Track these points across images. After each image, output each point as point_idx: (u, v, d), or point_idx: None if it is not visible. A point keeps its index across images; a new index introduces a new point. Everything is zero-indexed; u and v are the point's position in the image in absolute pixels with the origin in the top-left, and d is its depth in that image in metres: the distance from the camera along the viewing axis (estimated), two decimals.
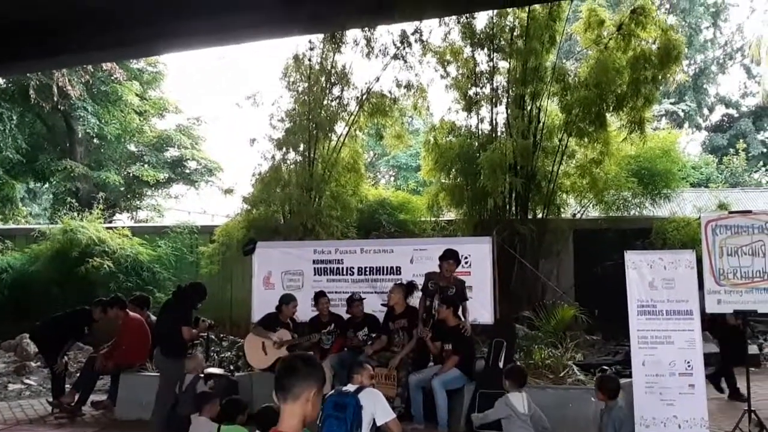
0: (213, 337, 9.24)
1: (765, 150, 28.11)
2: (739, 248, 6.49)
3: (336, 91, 11.63)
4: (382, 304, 7.87)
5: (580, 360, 8.12)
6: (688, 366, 6.45)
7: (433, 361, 7.14)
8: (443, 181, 12.01)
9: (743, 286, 6.45)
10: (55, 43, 7.14)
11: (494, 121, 11.43)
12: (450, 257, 7.36)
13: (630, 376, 6.74)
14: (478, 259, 8.25)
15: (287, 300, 7.81)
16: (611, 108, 10.82)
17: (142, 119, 21.19)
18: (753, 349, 10.27)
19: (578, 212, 12.67)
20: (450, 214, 12.71)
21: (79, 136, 19.93)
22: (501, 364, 6.79)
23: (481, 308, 7.86)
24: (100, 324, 8.46)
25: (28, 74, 15.54)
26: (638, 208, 12.31)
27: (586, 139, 11.05)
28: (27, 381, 9.67)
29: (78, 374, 8.41)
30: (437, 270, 7.51)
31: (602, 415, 4.65)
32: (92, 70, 17.93)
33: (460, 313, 7.14)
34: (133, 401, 7.42)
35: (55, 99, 17.34)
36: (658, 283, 6.64)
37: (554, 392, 6.76)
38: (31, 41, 6.99)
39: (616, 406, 4.63)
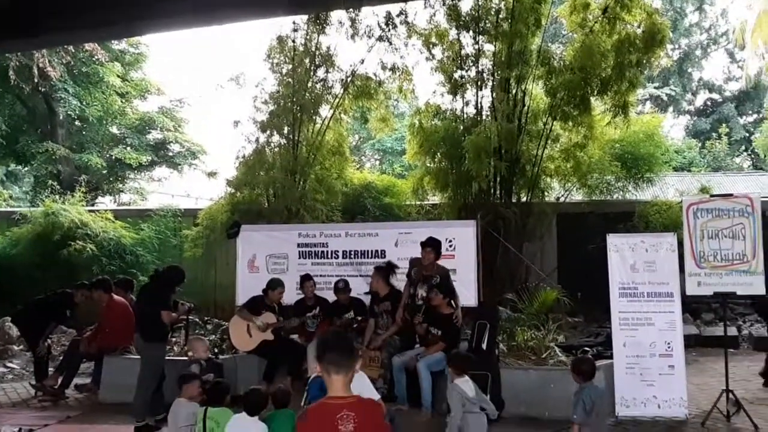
0: (197, 320, 9.25)
1: (747, 134, 28.33)
2: (719, 231, 6.58)
3: (320, 73, 11.55)
4: (366, 293, 7.88)
5: (562, 342, 8.20)
6: (669, 347, 6.56)
7: (418, 342, 7.16)
8: (428, 164, 12.02)
9: (723, 268, 6.55)
10: (34, 23, 7.02)
11: (479, 105, 11.44)
12: (428, 245, 7.32)
13: (611, 357, 6.85)
14: (462, 242, 8.28)
15: (274, 285, 7.79)
16: (596, 92, 10.85)
17: (124, 101, 20.95)
18: (731, 330, 10.45)
19: (562, 196, 12.74)
20: (435, 198, 12.73)
21: (60, 117, 19.68)
22: (484, 346, 6.84)
23: (464, 291, 7.89)
24: (84, 307, 8.41)
25: (7, 55, 15.28)
26: (621, 192, 12.39)
27: (570, 123, 11.10)
28: (9, 364, 9.61)
29: (61, 357, 8.38)
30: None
31: (574, 394, 4.71)
32: (73, 51, 17.66)
33: (453, 303, 7.11)
34: (116, 384, 7.40)
35: (36, 80, 17.09)
36: (640, 266, 6.74)
37: (536, 373, 6.84)
38: (8, 22, 6.87)
39: (590, 386, 4.69)
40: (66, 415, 6.97)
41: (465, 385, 4.81)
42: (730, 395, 6.47)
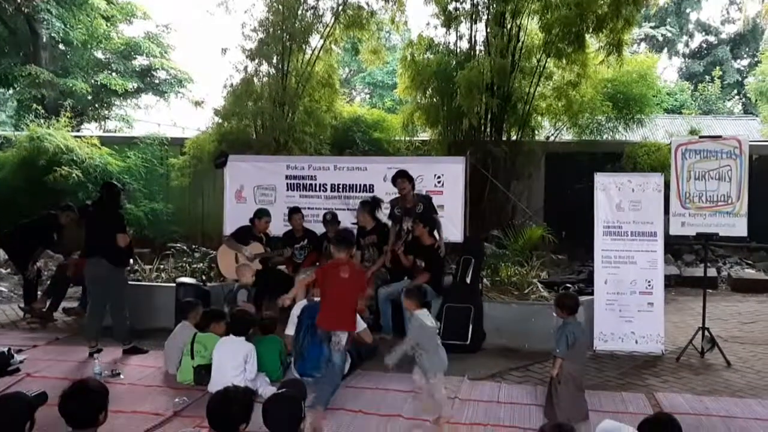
0: (184, 248, 9.30)
1: (740, 78, 28.17)
2: (706, 172, 6.62)
3: (311, 0, 11.25)
4: (353, 223, 7.91)
5: (545, 278, 8.36)
6: (649, 285, 6.70)
7: (407, 275, 7.23)
8: (419, 99, 11.89)
9: (707, 209, 6.62)
10: None
11: (473, 39, 11.24)
12: (398, 177, 7.37)
13: (592, 294, 7.00)
14: (450, 178, 8.27)
15: (261, 215, 7.80)
16: (591, 29, 10.65)
17: (109, 25, 20.32)
18: (711, 272, 10.66)
19: (552, 135, 12.72)
20: (425, 135, 12.67)
21: (44, 40, 19.09)
22: (468, 280, 6.96)
23: (451, 227, 7.95)
24: (70, 233, 8.40)
25: None
26: (611, 133, 12.39)
27: (564, 60, 10.96)
28: None
29: (48, 282, 8.43)
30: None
31: (557, 329, 4.80)
32: None
33: (435, 233, 7.16)
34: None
35: (18, 1, 16.51)
36: (625, 205, 6.80)
37: (518, 307, 6.99)
38: None
39: (572, 322, 4.78)
40: (54, 336, 7.07)
41: (424, 316, 4.77)
42: (706, 333, 6.65)
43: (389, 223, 7.59)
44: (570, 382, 4.66)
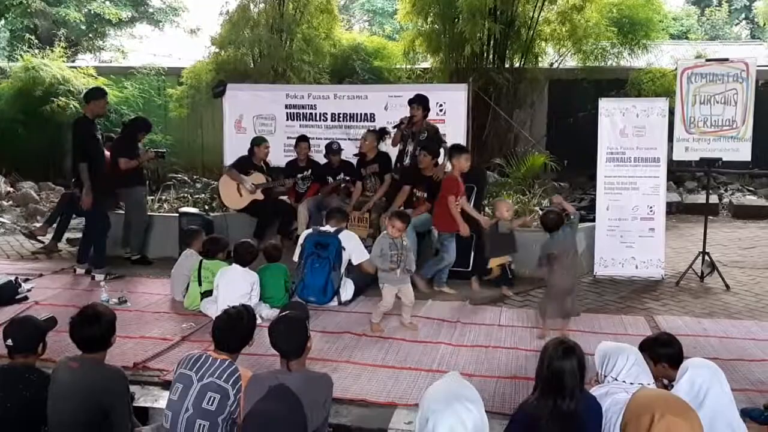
0: (185, 178, 9.30)
1: (747, 2, 27.40)
2: (712, 96, 6.53)
3: None
4: (355, 155, 7.85)
5: (547, 206, 8.34)
6: (651, 211, 6.72)
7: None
8: (420, 26, 11.63)
9: (712, 134, 6.56)
10: None
11: None
12: (413, 101, 7.26)
13: (593, 221, 7.02)
14: (452, 106, 8.15)
15: (258, 142, 7.77)
16: None
17: None
18: (713, 198, 10.67)
19: (556, 62, 12.49)
20: (426, 62, 12.44)
21: None
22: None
23: None
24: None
25: None
26: (616, 59, 12.13)
27: None
28: (0, 219, 9.68)
29: (50, 212, 8.45)
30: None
31: (543, 243, 5.06)
32: None
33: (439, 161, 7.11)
34: (108, 238, 7.52)
35: None
36: (629, 131, 6.75)
37: (519, 234, 6.98)
38: None
39: (550, 238, 5.01)
40: (60, 267, 7.13)
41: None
42: (706, 258, 6.71)
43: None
44: (559, 287, 4.92)
